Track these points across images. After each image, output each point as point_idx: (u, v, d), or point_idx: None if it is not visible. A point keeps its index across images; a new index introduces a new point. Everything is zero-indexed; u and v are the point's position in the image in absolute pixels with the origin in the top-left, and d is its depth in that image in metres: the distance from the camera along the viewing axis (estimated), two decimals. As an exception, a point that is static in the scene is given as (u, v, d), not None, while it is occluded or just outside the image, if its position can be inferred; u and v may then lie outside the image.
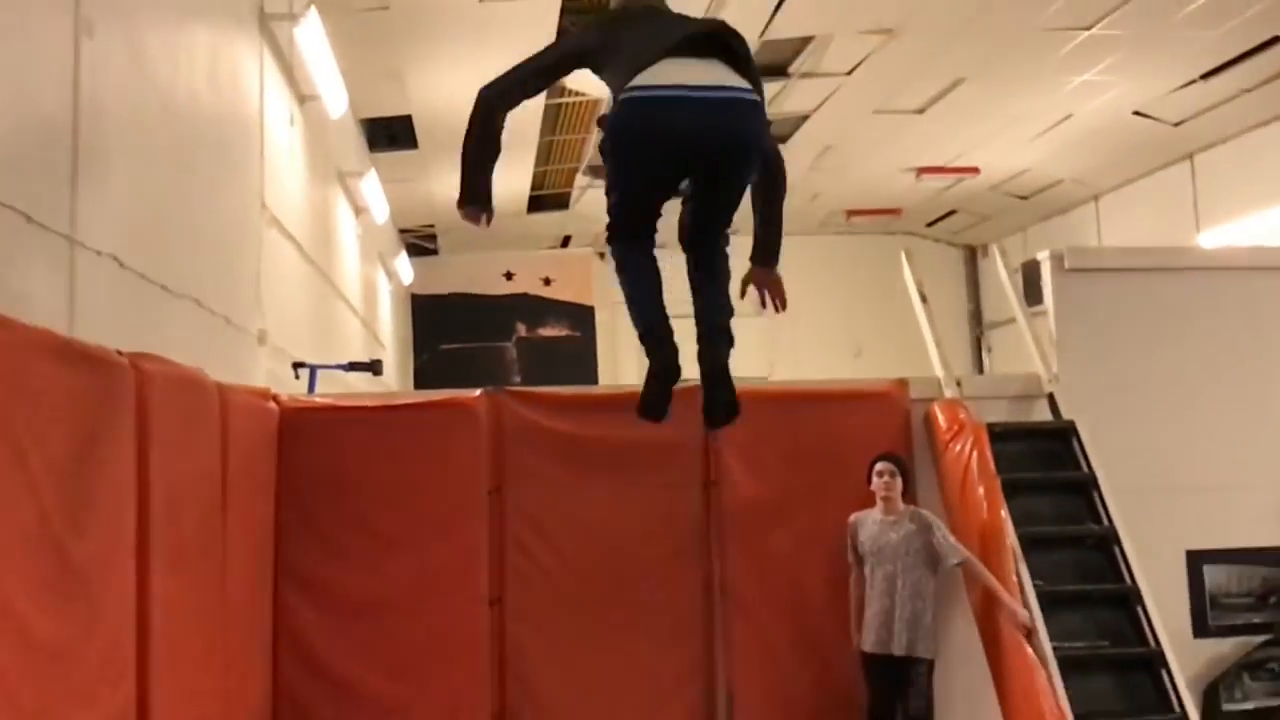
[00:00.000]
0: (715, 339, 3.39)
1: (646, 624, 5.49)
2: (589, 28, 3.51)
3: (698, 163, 3.19)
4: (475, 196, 3.36)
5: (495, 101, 3.37)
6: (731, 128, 3.14)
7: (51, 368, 2.80)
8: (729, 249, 3.51)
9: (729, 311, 3.45)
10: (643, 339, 3.37)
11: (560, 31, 3.52)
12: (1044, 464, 6.00)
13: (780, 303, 3.66)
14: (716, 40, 3.19)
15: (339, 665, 5.30)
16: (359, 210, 10.43)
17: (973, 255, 16.02)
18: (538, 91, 3.52)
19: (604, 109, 3.44)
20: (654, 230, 3.41)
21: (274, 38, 6.34)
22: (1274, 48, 8.86)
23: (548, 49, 3.52)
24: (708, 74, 3.12)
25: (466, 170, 3.36)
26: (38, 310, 3.06)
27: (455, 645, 5.34)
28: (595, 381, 14.70)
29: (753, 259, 3.62)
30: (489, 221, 3.39)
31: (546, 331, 15.48)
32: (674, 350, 3.33)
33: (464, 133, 3.35)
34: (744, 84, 3.15)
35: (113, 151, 3.78)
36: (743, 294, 3.65)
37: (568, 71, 3.55)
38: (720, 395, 3.37)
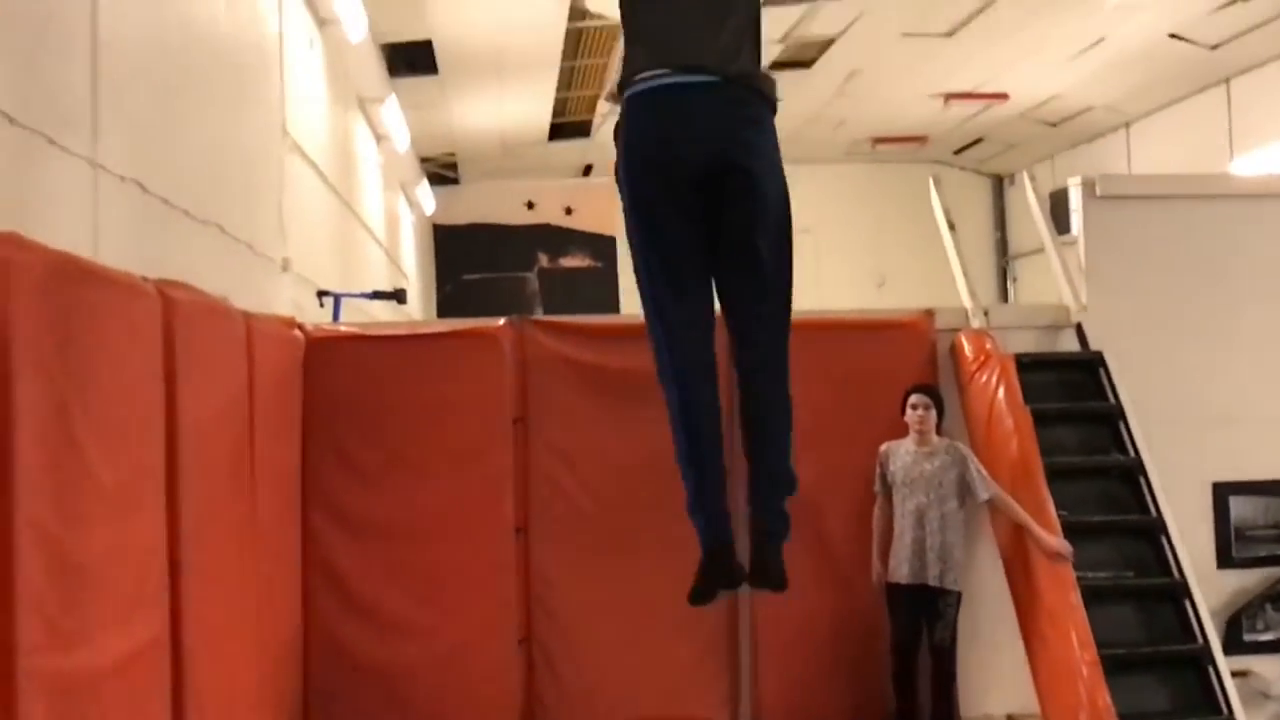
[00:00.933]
0: (773, 489, 3.05)
1: (669, 554, 5.49)
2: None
3: (703, 168, 2.90)
4: None
5: None
6: (729, 119, 2.90)
7: (78, 292, 2.79)
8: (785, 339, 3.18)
9: (792, 460, 3.07)
10: (690, 512, 3.05)
11: None
12: (1071, 395, 5.95)
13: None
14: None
15: (368, 592, 5.37)
16: (380, 138, 10.34)
17: (999, 184, 15.80)
18: None
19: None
20: (711, 374, 3.07)
21: (292, -40, 6.23)
22: (1319, -33, 8.59)
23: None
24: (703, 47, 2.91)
25: None
26: (61, 235, 3.04)
27: (482, 572, 5.40)
28: (617, 311, 14.68)
29: None
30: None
31: (568, 262, 15.42)
32: (727, 537, 2.98)
33: None
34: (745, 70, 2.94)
35: (132, 75, 3.73)
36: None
37: None
38: (769, 565, 3.04)
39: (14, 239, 2.51)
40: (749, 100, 3.00)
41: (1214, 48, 10.33)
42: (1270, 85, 10.50)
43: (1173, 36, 10.18)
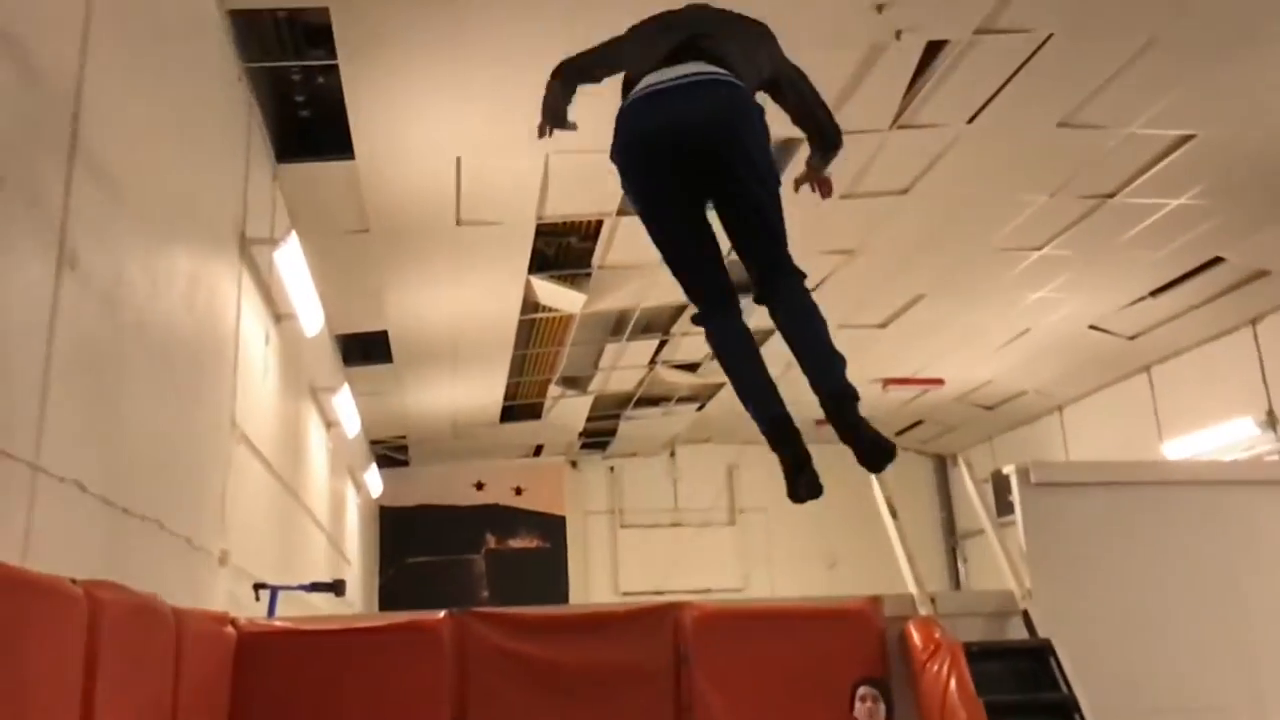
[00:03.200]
0: (840, 406, 3.21)
1: None
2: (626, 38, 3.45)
3: (693, 162, 3.09)
4: (552, 116, 3.30)
5: (573, 76, 3.37)
6: (709, 110, 3.08)
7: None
8: (806, 284, 3.44)
9: (841, 362, 3.26)
10: (763, 434, 3.27)
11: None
12: (1022, 684, 5.85)
13: (826, 192, 3.70)
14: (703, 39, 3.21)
15: None
16: (330, 424, 10.44)
17: (943, 464, 16.13)
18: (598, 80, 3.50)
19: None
20: (729, 298, 3.41)
21: (253, 260, 6.50)
22: (1216, 267, 9.29)
23: (609, 45, 3.45)
24: (685, 69, 3.12)
25: (547, 102, 3.30)
26: (-8, 540, 3.00)
27: None
28: (566, 594, 14.40)
29: (809, 160, 3.67)
30: (551, 132, 3.30)
31: (517, 543, 15.26)
32: (798, 440, 3.20)
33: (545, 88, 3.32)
34: (720, 70, 3.13)
35: (85, 375, 3.81)
36: (796, 189, 3.71)
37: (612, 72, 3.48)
38: (872, 447, 3.19)
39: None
40: (745, 95, 3.18)
41: (1132, 338, 10.97)
42: (1188, 373, 11.06)
43: (1092, 328, 10.83)
